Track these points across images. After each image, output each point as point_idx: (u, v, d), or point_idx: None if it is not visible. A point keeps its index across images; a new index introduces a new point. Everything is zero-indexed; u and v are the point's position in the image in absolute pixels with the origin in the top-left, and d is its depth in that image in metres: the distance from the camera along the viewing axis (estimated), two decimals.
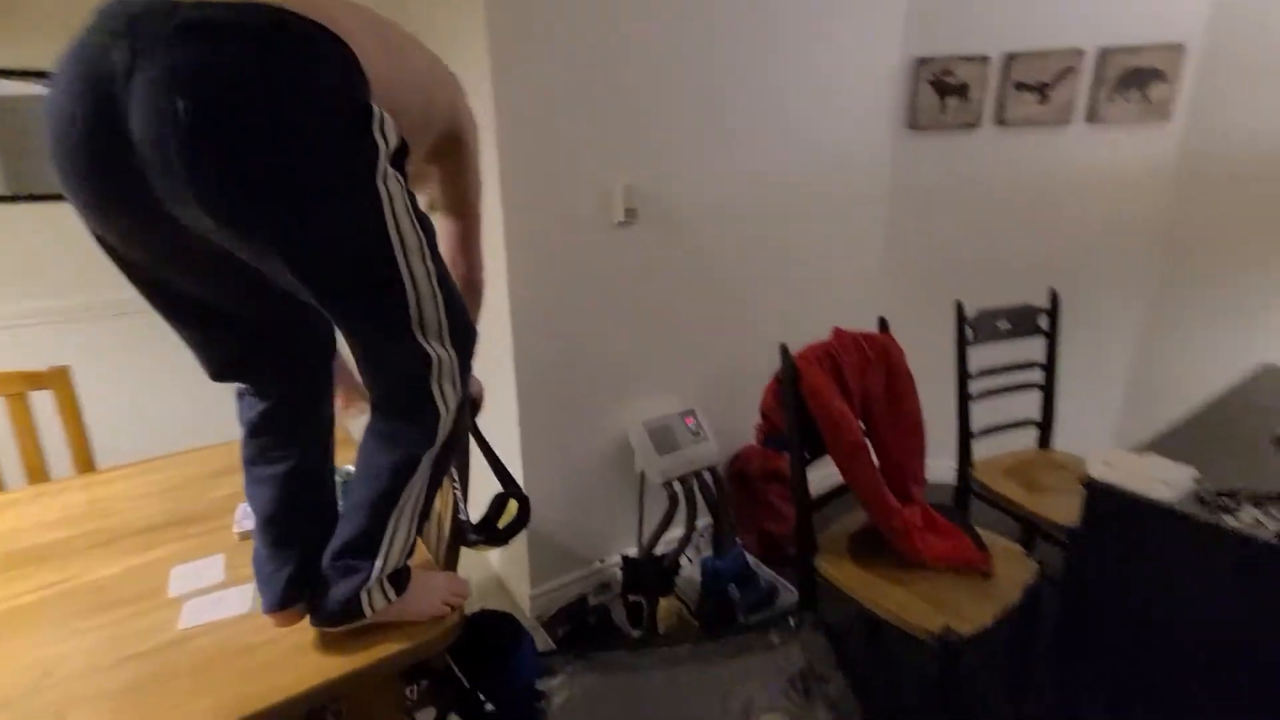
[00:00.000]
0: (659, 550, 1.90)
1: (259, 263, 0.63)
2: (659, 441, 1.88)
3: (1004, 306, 1.87)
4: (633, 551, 2.00)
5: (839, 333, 1.57)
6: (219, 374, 0.78)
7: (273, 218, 0.59)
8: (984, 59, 2.18)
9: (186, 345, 0.76)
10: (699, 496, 1.92)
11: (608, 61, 1.65)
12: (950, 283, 2.36)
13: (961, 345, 1.81)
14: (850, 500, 1.53)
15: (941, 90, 2.23)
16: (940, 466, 1.98)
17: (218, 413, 1.67)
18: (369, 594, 0.75)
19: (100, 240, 0.67)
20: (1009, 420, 1.90)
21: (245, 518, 1.04)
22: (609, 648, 1.40)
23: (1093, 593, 1.15)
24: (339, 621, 0.76)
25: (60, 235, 1.76)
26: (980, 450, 1.87)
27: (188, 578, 0.93)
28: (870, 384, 1.56)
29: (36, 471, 1.28)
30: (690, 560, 1.92)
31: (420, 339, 0.69)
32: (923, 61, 2.22)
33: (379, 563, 0.74)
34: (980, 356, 1.82)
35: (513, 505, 1.13)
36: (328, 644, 0.78)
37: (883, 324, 1.66)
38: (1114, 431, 2.47)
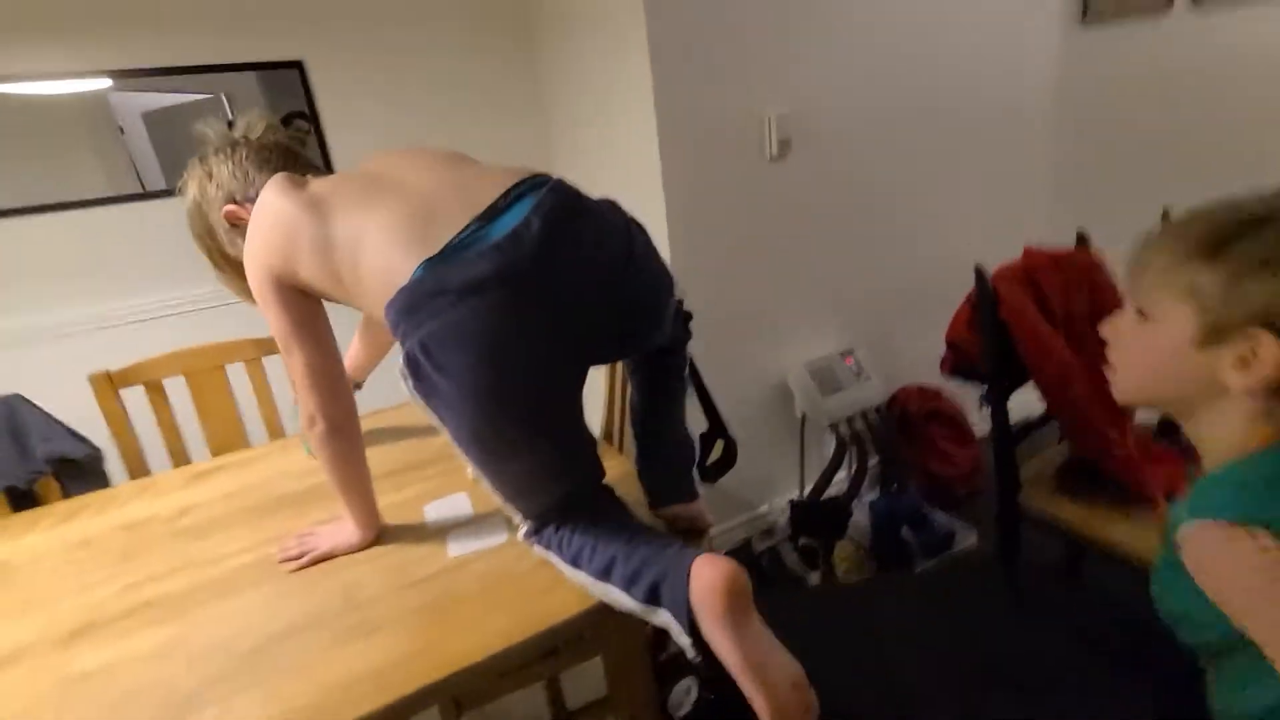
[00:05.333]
0: (826, 494, 1.86)
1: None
2: (822, 383, 1.83)
3: None
4: (795, 495, 1.98)
5: (1033, 253, 1.43)
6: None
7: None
8: None
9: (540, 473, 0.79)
10: (867, 438, 1.86)
11: None
12: (1134, 192, 2.10)
13: None
14: (1040, 436, 1.42)
15: None
16: None
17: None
18: None
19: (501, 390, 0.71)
20: None
21: None
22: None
23: None
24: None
25: None
26: None
27: (441, 511, 0.99)
28: (1074, 305, 1.42)
29: (275, 429, 1.41)
30: (860, 504, 1.87)
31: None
32: None
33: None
34: None
35: (719, 445, 1.13)
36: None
37: (1081, 239, 1.50)
38: None
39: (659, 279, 0.82)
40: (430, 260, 0.69)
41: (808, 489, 2.01)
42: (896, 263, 2.01)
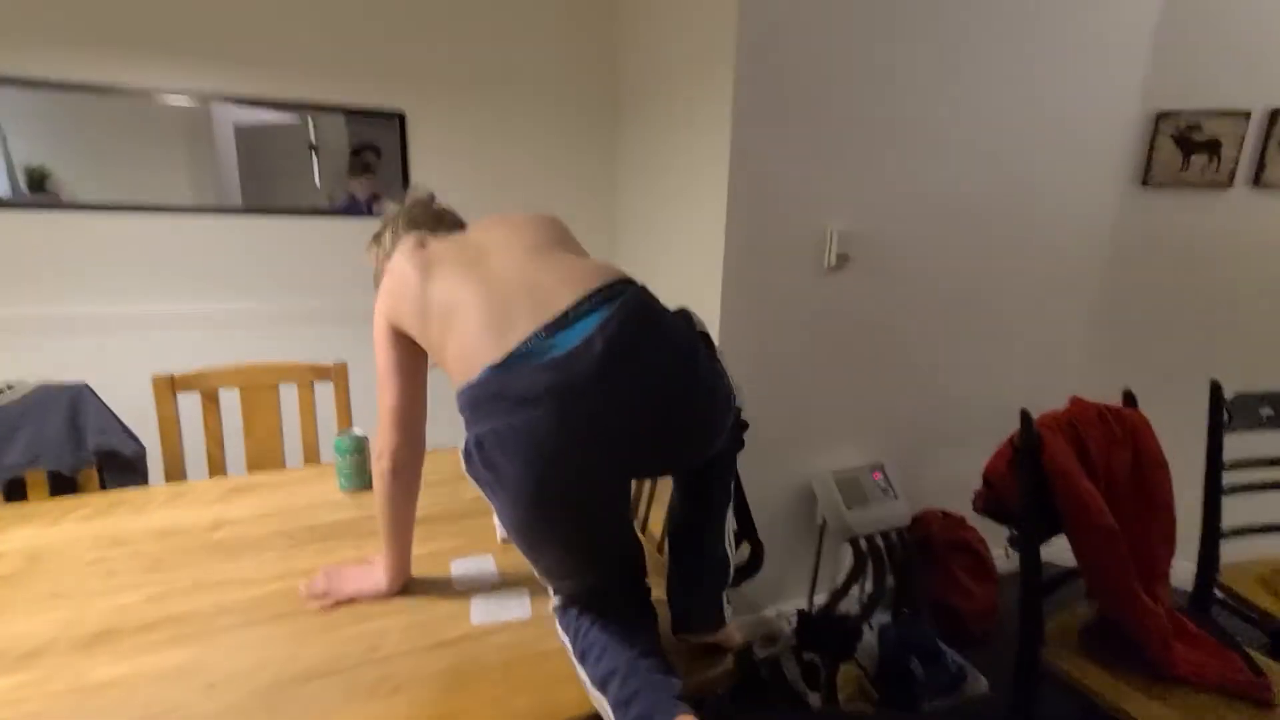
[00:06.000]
0: (836, 609, 1.82)
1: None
2: (847, 494, 1.81)
3: (1272, 391, 1.64)
4: (804, 605, 1.93)
5: (1080, 403, 1.44)
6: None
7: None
8: (1243, 114, 1.97)
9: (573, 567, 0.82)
10: (885, 557, 1.82)
11: (834, 106, 1.66)
12: (1178, 360, 2.12)
13: (1217, 431, 1.60)
14: (1067, 590, 1.38)
15: (1187, 147, 2.04)
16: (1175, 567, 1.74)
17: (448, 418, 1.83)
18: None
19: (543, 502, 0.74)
20: (1268, 522, 1.64)
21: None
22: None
23: None
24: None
25: (350, 245, 2.02)
26: (1227, 553, 1.63)
27: (467, 571, 1.00)
28: (1115, 463, 1.41)
29: (312, 453, 1.44)
30: (871, 626, 1.81)
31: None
32: (1164, 115, 2.04)
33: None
34: (1232, 446, 1.60)
35: (745, 548, 1.12)
36: None
37: (1130, 398, 1.50)
38: None
39: (719, 400, 0.81)
40: (495, 367, 0.73)
41: (817, 599, 1.96)
42: (935, 386, 2.03)
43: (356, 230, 2.01)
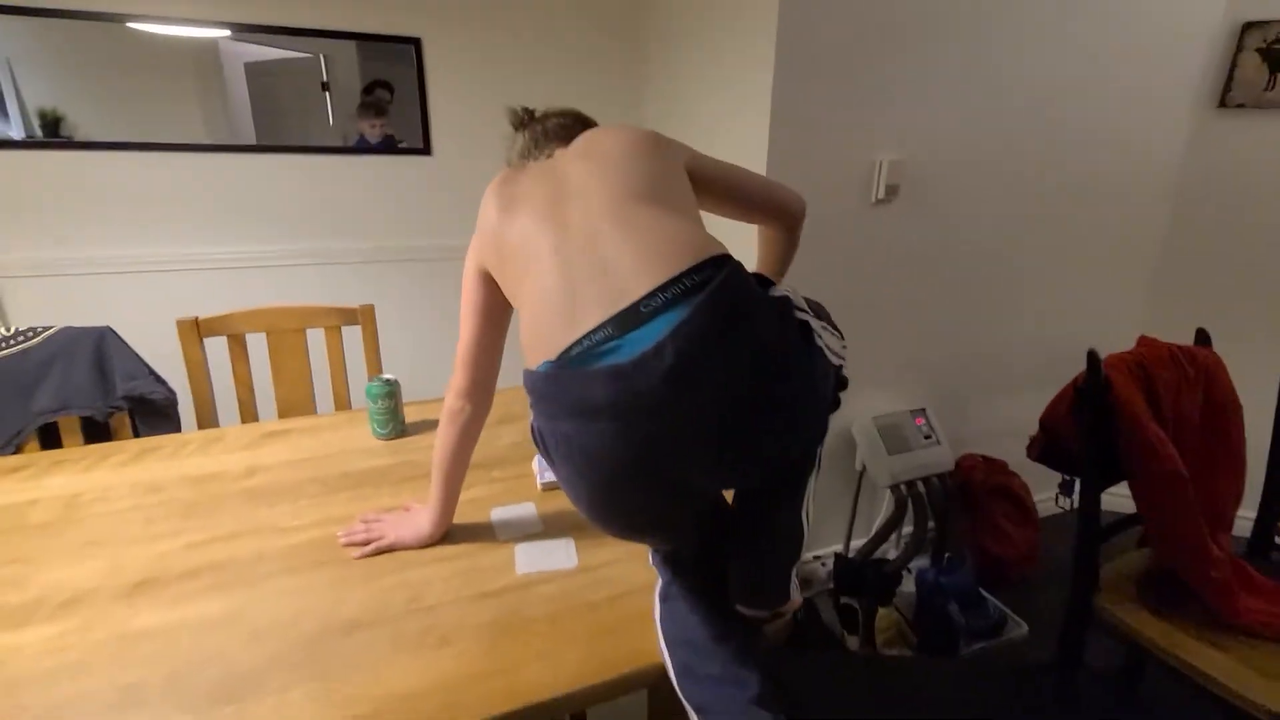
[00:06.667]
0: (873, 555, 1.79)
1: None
2: (889, 440, 1.75)
3: None
4: (840, 549, 1.90)
5: (1150, 343, 1.35)
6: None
7: None
8: None
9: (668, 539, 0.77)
10: (925, 503, 1.78)
11: (886, 28, 1.51)
12: (1253, 296, 1.98)
13: None
14: (1121, 538, 1.33)
15: (1274, 61, 1.84)
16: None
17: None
18: None
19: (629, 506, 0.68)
20: None
21: (545, 470, 1.07)
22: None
23: None
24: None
25: (368, 184, 1.93)
26: None
27: (509, 521, 0.96)
28: (1185, 407, 1.33)
29: (342, 399, 1.41)
30: (910, 571, 1.79)
31: None
32: (1251, 25, 1.84)
33: None
34: None
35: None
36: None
37: (1203, 337, 1.40)
38: None
39: (814, 393, 0.68)
40: (554, 364, 0.65)
41: (854, 545, 1.94)
42: (983, 327, 1.93)
43: (377, 167, 1.92)
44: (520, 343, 0.72)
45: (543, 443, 0.67)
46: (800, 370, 0.67)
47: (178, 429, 1.34)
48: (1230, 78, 1.89)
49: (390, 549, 0.89)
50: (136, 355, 1.28)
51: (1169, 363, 1.32)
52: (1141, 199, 1.99)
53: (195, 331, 1.28)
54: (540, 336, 0.68)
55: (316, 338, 1.40)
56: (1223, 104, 1.92)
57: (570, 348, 0.64)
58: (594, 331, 0.63)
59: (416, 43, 1.84)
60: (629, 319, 0.63)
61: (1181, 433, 1.33)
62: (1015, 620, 1.77)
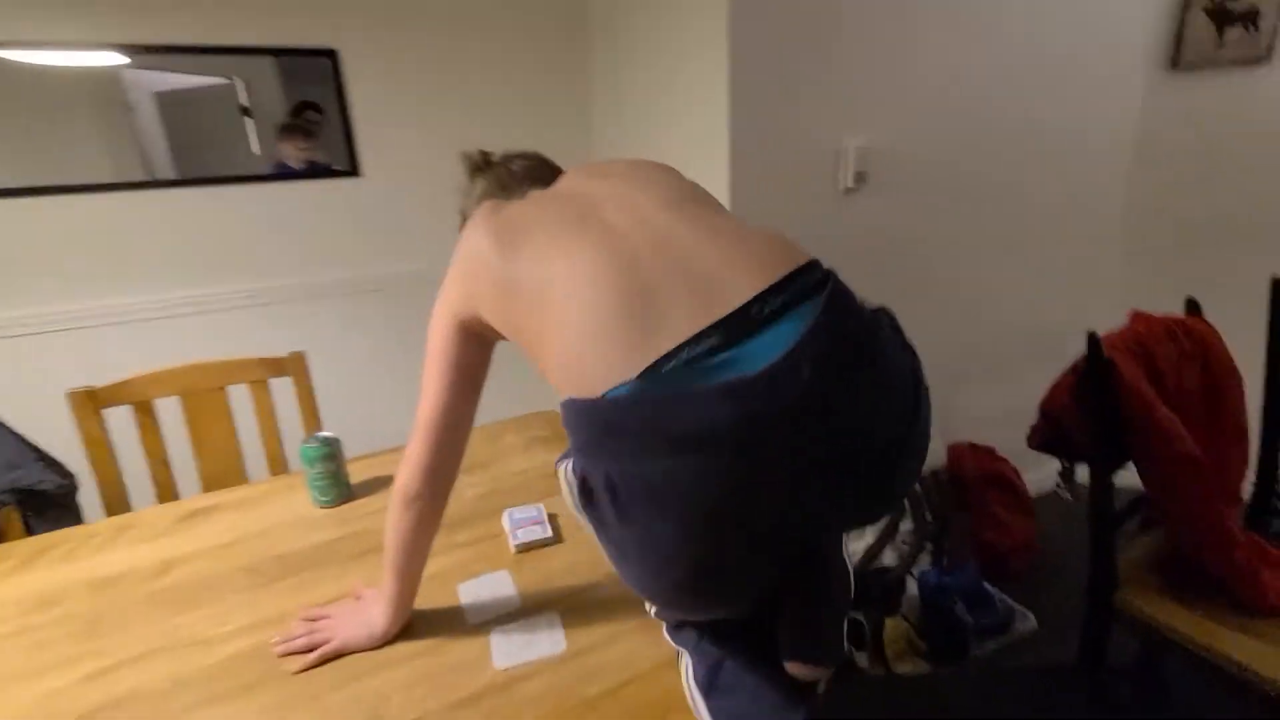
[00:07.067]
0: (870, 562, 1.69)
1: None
2: None
3: None
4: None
5: (1145, 319, 1.28)
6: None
7: None
8: None
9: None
10: (923, 502, 1.69)
11: (844, 14, 1.41)
12: (1223, 258, 1.97)
13: (1277, 332, 1.46)
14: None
15: (1221, 19, 1.83)
16: None
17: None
18: None
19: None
20: None
21: (519, 528, 0.93)
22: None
23: None
24: None
25: (294, 213, 1.75)
26: None
27: (481, 600, 0.82)
28: (1187, 383, 1.27)
29: (277, 462, 1.24)
30: (913, 575, 1.70)
31: None
32: None
33: None
34: None
35: None
36: (670, 703, 0.64)
37: (1193, 306, 1.35)
38: None
39: (927, 434, 0.59)
40: (638, 382, 0.50)
41: (854, 554, 1.84)
42: (964, 314, 1.86)
43: (303, 193, 1.74)
44: (553, 385, 0.58)
45: (612, 499, 0.51)
46: (926, 403, 0.57)
47: (79, 520, 1.15)
48: (1180, 39, 1.87)
49: (338, 654, 0.74)
50: (21, 440, 1.09)
51: (1165, 338, 1.26)
52: (1102, 168, 1.95)
53: (90, 403, 1.10)
54: (592, 367, 0.53)
55: (241, 394, 1.22)
56: (1174, 65, 1.90)
57: (659, 362, 0.50)
58: (694, 340, 0.50)
59: (332, 55, 1.67)
60: (739, 326, 0.51)
61: (1186, 409, 1.26)
62: (1023, 613, 1.71)
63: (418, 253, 1.87)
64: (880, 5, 1.45)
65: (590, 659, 0.71)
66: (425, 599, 0.82)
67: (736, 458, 0.48)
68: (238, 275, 1.72)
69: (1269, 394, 1.50)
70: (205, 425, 1.19)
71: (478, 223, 0.68)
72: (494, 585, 0.84)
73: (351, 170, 1.75)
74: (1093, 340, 1.17)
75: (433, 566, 0.87)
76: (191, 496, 1.13)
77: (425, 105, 1.79)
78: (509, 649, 0.74)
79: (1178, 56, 1.89)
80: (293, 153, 1.72)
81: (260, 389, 1.22)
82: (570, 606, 0.79)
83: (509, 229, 0.64)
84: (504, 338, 0.68)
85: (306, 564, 0.92)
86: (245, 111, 1.68)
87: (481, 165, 0.82)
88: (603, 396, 0.51)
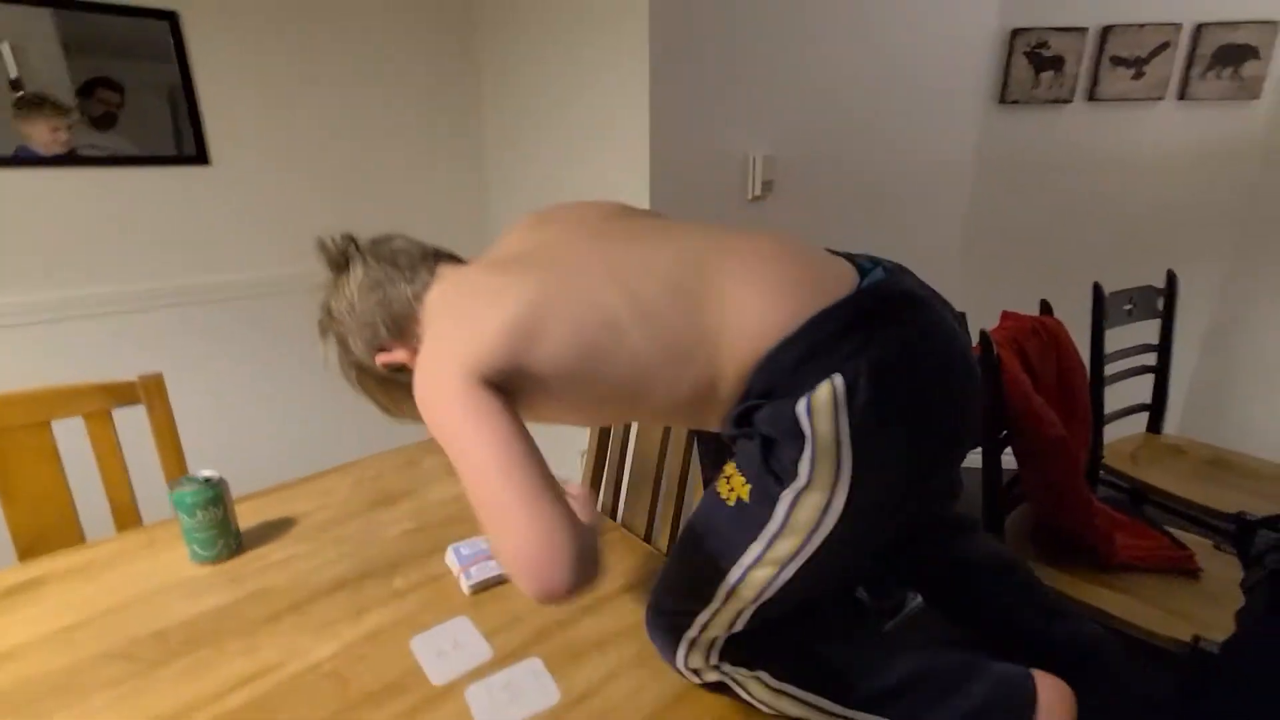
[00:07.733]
0: None
1: None
2: None
3: (1129, 288, 1.81)
4: None
5: (1015, 317, 1.45)
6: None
7: None
8: (1081, 30, 2.11)
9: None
10: None
11: (749, 18, 1.46)
12: (1032, 263, 2.31)
13: (1099, 328, 1.74)
14: None
15: (1037, 63, 2.14)
16: None
17: (322, 427, 1.35)
18: None
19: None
20: (1120, 406, 1.84)
21: (469, 565, 0.82)
22: None
23: None
24: None
25: (124, 207, 1.38)
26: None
27: (443, 652, 0.70)
28: (1048, 373, 1.46)
29: (126, 512, 0.99)
30: None
31: None
32: (1019, 32, 2.12)
33: None
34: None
35: None
36: None
37: (1046, 306, 1.55)
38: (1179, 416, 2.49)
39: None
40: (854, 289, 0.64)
41: None
42: None
43: (135, 182, 1.43)
44: (729, 359, 0.61)
45: (876, 387, 0.55)
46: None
47: None
48: (1007, 77, 2.16)
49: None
50: None
51: (1031, 334, 1.44)
52: (949, 186, 2.20)
53: None
54: (794, 303, 0.61)
55: (72, 431, 0.96)
56: (1002, 100, 2.19)
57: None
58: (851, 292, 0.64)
59: (173, 17, 1.39)
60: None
61: (1049, 396, 1.45)
62: (911, 591, 1.85)
63: (288, 254, 1.62)
64: (784, 28, 1.51)
65: (592, 705, 0.63)
66: (374, 663, 0.69)
67: (951, 341, 0.64)
68: (54, 281, 1.38)
69: (1094, 382, 1.77)
70: (19, 474, 0.91)
71: (473, 276, 0.67)
72: (454, 635, 0.73)
73: (199, 157, 1.47)
74: (984, 337, 1.30)
75: (371, 623, 0.75)
76: (5, 568, 0.86)
77: (290, 84, 1.57)
78: (492, 707, 0.63)
79: (1005, 93, 2.19)
80: (43, 135, 1.37)
81: (100, 422, 0.97)
82: (553, 648, 0.70)
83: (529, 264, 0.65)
84: (550, 378, 0.59)
85: (200, 638, 0.73)
86: (15, 85, 1.32)
87: (349, 251, 0.71)
88: (842, 299, 0.60)
